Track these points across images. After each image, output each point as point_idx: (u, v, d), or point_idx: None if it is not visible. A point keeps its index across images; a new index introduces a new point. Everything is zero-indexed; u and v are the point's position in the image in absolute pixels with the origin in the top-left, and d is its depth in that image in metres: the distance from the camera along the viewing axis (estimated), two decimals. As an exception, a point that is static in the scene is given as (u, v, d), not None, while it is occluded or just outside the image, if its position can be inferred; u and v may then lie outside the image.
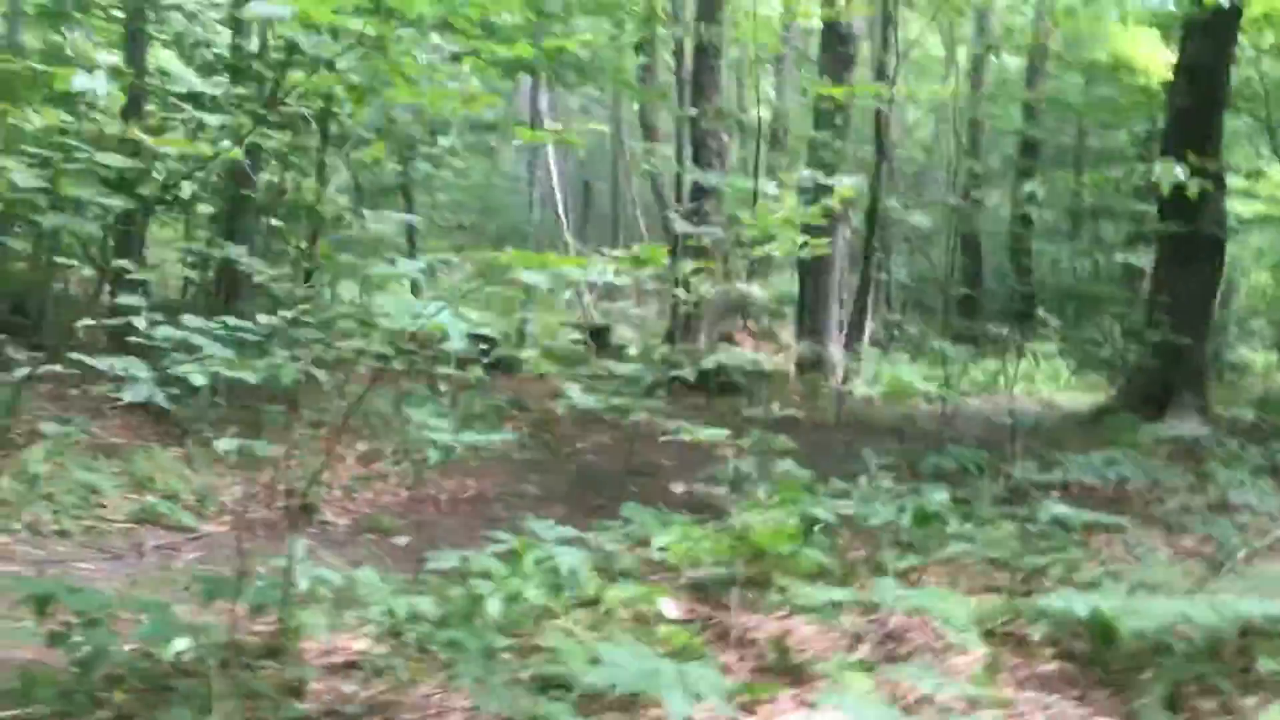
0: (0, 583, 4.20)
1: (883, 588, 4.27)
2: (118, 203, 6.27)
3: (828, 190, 3.35)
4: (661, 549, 4.42)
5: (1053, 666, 4.00)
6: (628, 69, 17.09)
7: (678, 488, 4.88)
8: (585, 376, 3.05)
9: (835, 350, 14.77)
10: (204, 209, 11.56)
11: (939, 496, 5.08)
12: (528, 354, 3.12)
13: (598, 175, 28.42)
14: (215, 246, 9.89)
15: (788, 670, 3.85)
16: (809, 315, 15.25)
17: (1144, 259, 17.95)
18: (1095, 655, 3.99)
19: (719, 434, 3.74)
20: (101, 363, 2.55)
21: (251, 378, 2.79)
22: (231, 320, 2.82)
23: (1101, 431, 8.26)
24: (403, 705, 3.49)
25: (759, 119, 14.72)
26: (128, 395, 2.50)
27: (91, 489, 5.88)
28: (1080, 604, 3.86)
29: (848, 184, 3.41)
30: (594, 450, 8.78)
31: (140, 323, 2.68)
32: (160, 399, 2.53)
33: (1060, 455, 6.55)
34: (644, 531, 4.79)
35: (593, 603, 4.06)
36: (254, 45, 9.99)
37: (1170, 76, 14.73)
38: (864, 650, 4.07)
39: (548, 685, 3.45)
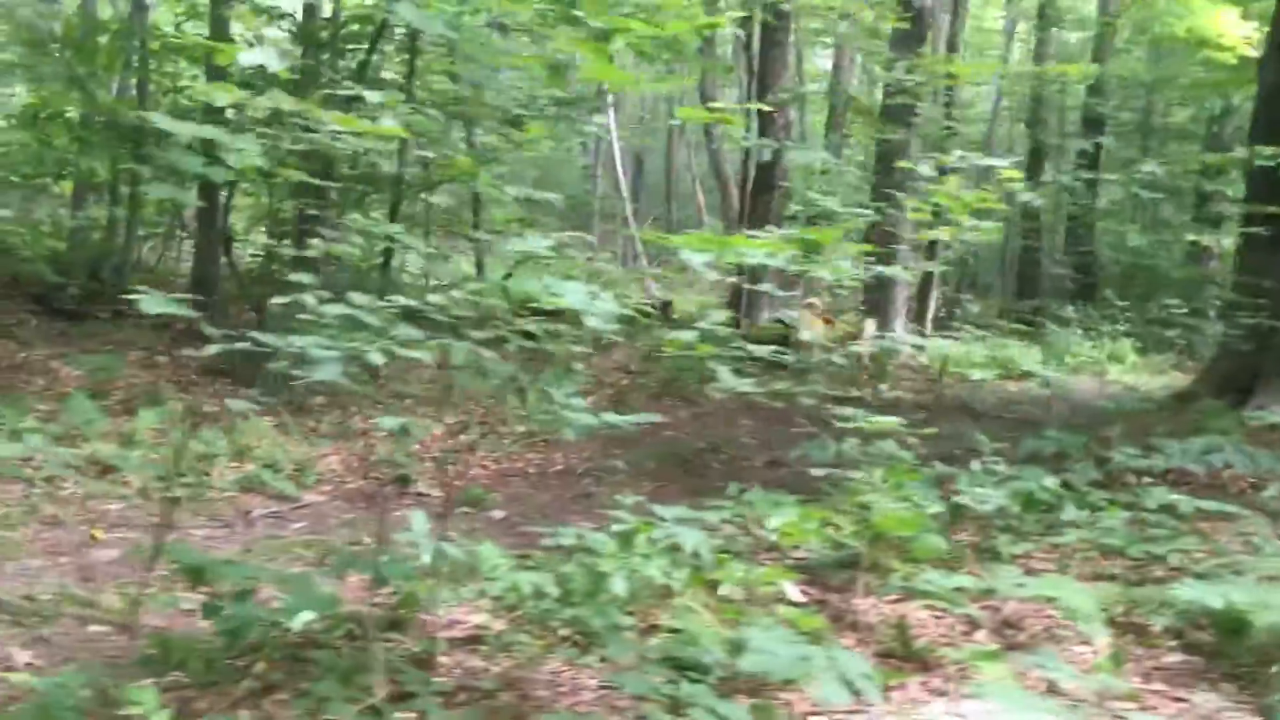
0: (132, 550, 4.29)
1: (1001, 575, 4.24)
2: (218, 172, 6.32)
3: (988, 171, 3.28)
4: (776, 530, 4.41)
5: (1178, 658, 3.96)
6: (689, 40, 16.92)
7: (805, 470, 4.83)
8: (730, 357, 3.02)
9: (900, 329, 14.65)
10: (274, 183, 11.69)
11: (1048, 482, 5.03)
12: (683, 336, 3.08)
13: (649, 147, 28.28)
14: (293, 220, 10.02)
15: (909, 656, 3.84)
16: (874, 293, 15.11)
17: (1211, 239, 17.64)
18: (1222, 648, 3.93)
19: (892, 423, 3.71)
20: (283, 341, 2.57)
21: (425, 357, 2.80)
22: (399, 299, 2.83)
23: (1189, 416, 8.13)
24: (534, 682, 3.52)
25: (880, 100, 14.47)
26: (318, 374, 2.52)
27: (195, 456, 5.96)
28: (1212, 595, 3.80)
29: (1008, 166, 3.33)
30: (672, 425, 8.79)
31: (310, 299, 2.69)
32: (345, 379, 2.55)
33: (1156, 440, 6.45)
34: (752, 511, 4.78)
35: (712, 583, 4.05)
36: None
37: (1249, 52, 14.46)
38: (981, 637, 4.05)
39: (680, 666, 3.45)
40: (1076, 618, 4.00)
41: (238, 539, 5.11)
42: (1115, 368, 13.97)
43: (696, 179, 23.34)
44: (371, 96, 2.73)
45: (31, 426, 5.82)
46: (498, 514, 6.07)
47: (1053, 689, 3.57)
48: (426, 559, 4.10)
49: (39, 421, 6.00)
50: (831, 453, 5.69)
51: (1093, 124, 21.06)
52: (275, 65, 2.57)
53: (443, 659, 3.72)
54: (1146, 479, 6.08)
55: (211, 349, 2.55)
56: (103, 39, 10.35)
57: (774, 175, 14.78)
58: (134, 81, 10.92)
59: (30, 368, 7.67)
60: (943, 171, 6.34)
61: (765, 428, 8.71)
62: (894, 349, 11.42)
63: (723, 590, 3.97)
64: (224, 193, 9.24)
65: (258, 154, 2.57)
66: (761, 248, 2.80)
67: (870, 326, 11.42)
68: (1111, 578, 4.60)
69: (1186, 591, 3.94)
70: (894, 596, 4.30)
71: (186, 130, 2.48)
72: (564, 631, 3.90)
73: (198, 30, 11.58)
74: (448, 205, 14.81)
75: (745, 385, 3.05)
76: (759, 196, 14.66)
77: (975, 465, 4.93)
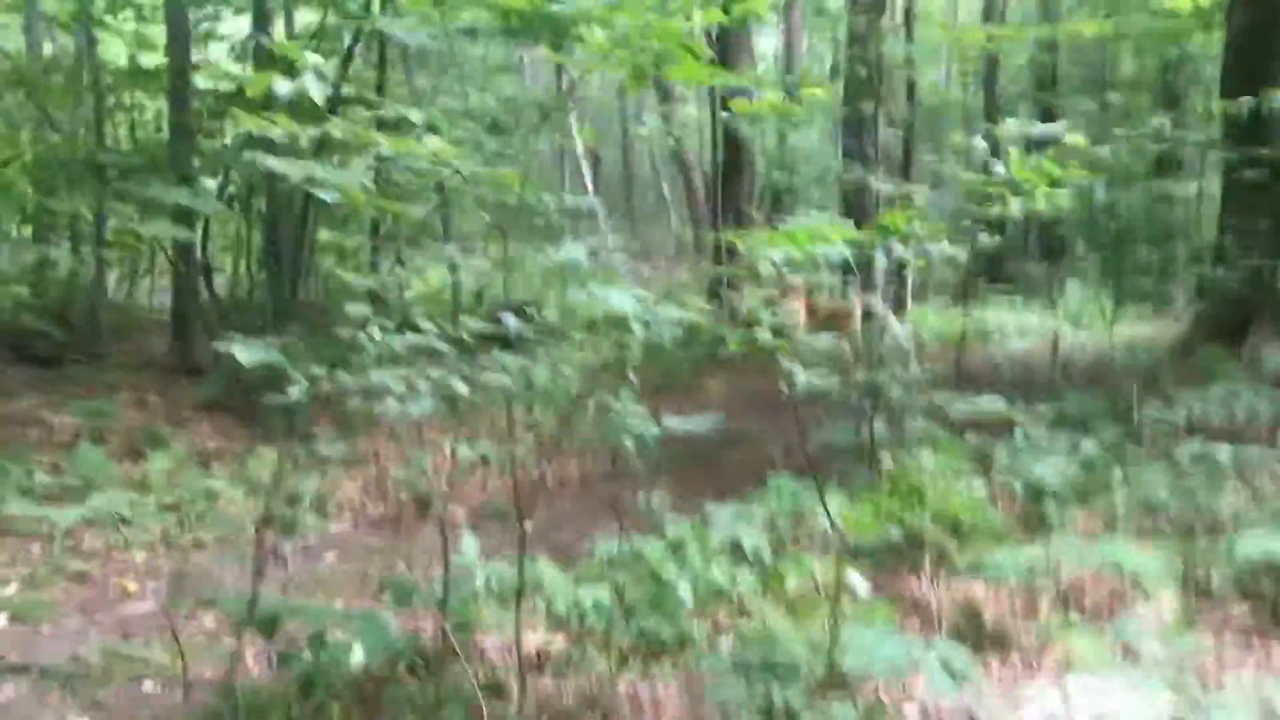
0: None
1: (1059, 544, 4.21)
2: (207, 204, 6.27)
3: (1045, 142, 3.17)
4: (830, 520, 4.35)
5: (1245, 611, 3.94)
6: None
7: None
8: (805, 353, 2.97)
9: (880, 302, 14.63)
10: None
11: (1087, 445, 5.00)
12: (761, 335, 3.01)
13: (605, 142, 28.09)
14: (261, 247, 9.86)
15: (981, 635, 3.79)
16: (857, 266, 15.00)
17: (1177, 186, 17.72)
18: (1288, 599, 3.91)
19: (1002, 409, 3.66)
20: (367, 377, 2.46)
21: (511, 384, 2.70)
22: (474, 324, 2.73)
23: (1191, 364, 8.14)
24: (616, 698, 3.43)
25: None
26: (412, 409, 2.42)
27: (211, 496, 5.81)
28: (1277, 546, 3.78)
29: (1067, 133, 3.23)
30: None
31: (375, 332, 2.58)
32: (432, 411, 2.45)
33: (1172, 392, 6.45)
34: (793, 502, 4.72)
35: (774, 579, 3.99)
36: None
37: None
38: (1045, 609, 4.01)
39: (763, 669, 3.37)
40: (1143, 581, 3.98)
41: (272, 578, 4.96)
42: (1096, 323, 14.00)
43: (661, 172, 23.17)
44: (414, 116, 2.63)
45: (42, 480, 5.65)
46: (525, 526, 5.94)
47: (1133, 654, 3.54)
48: (479, 582, 4.02)
49: (46, 474, 5.81)
50: (859, 436, 5.66)
51: (1045, 82, 21.14)
52: (318, 93, 2.46)
53: (513, 682, 3.62)
54: (1164, 429, 6.07)
55: (296, 391, 2.42)
56: (56, 77, 10.11)
57: (743, 158, 14.74)
58: (89, 117, 10.67)
59: (19, 419, 7.44)
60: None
61: (770, 417, 8.64)
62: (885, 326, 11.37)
63: (788, 587, 3.90)
64: (200, 225, 9.04)
65: (359, 187, 2.46)
66: (849, 236, 2.73)
67: (859, 306, 11.34)
68: (1161, 535, 4.58)
69: (1248, 545, 3.92)
70: (942, 574, 4.25)
71: (296, 170, 2.36)
72: (629, 644, 3.82)
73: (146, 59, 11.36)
74: (414, 219, 14.67)
75: (820, 380, 2.98)
76: (730, 180, 14.59)
77: (1020, 435, 4.89)
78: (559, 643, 3.94)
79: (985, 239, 3.02)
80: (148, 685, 3.73)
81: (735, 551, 4.05)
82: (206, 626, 4.32)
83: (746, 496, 4.86)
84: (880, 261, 14.98)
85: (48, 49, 12.49)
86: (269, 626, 3.15)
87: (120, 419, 7.19)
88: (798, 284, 14.48)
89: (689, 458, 7.58)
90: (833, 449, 6.17)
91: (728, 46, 14.41)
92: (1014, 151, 2.86)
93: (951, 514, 4.06)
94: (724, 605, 3.84)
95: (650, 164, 25.68)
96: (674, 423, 3.33)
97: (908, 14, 15.45)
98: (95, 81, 10.63)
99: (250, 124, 2.31)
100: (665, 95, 22.83)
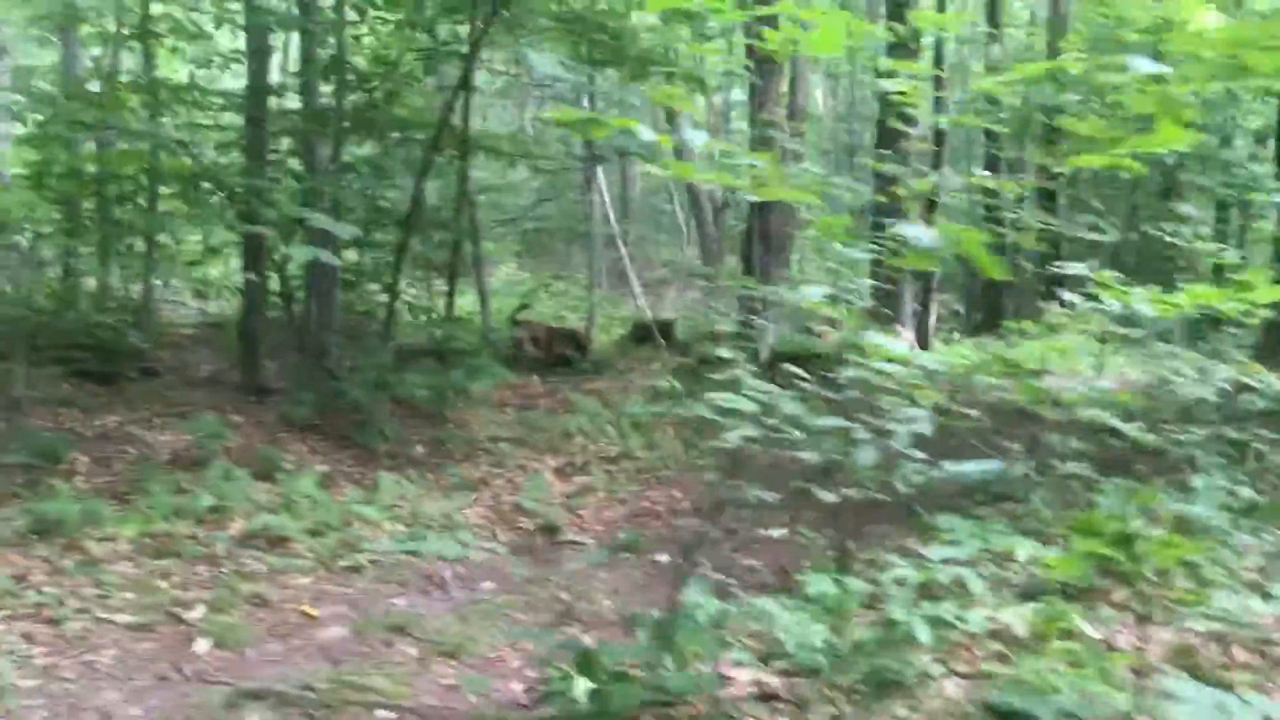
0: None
1: (1244, 594, 4.29)
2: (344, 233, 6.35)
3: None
4: (1029, 563, 4.42)
5: None
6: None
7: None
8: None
9: (908, 336, 14.79)
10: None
11: (1245, 491, 5.10)
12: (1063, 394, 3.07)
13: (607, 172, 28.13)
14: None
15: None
16: (880, 303, 15.09)
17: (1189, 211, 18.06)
18: None
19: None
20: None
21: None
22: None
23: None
24: (868, 739, 3.45)
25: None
26: (861, 458, 2.46)
27: (349, 520, 5.77)
28: None
29: None
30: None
31: (741, 373, 2.61)
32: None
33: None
34: (978, 544, 4.76)
35: (1048, 622, 4.01)
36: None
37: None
38: (1241, 656, 4.08)
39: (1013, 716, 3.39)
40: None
41: (442, 604, 4.96)
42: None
43: (675, 196, 23.12)
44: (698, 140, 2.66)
45: (205, 502, 5.58)
46: (663, 557, 5.97)
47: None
48: (702, 618, 4.03)
49: (180, 496, 5.73)
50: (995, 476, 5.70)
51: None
52: (699, 142, 2.51)
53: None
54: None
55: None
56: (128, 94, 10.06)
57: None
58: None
59: (113, 438, 7.35)
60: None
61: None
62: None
63: (1019, 630, 3.94)
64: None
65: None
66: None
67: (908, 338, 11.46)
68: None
69: None
70: (1127, 619, 4.30)
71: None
72: (851, 684, 3.81)
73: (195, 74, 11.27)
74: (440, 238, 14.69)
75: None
76: (764, 211, 14.66)
77: (1199, 481, 4.98)
78: (771, 680, 3.96)
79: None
80: (381, 714, 3.70)
81: (951, 591, 4.10)
82: (408, 653, 4.30)
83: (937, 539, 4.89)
84: (908, 295, 15.18)
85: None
86: (588, 668, 3.15)
87: (222, 440, 7.10)
88: (827, 315, 14.58)
89: (800, 490, 7.62)
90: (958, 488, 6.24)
91: (762, 71, 14.53)
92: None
93: (1155, 560, 4.12)
94: (958, 647, 3.88)
95: (648, 188, 25.65)
96: (951, 465, 3.38)
97: (937, 59, 15.74)
98: (156, 98, 10.52)
99: (680, 170, 2.35)
100: (670, 116, 22.93)
